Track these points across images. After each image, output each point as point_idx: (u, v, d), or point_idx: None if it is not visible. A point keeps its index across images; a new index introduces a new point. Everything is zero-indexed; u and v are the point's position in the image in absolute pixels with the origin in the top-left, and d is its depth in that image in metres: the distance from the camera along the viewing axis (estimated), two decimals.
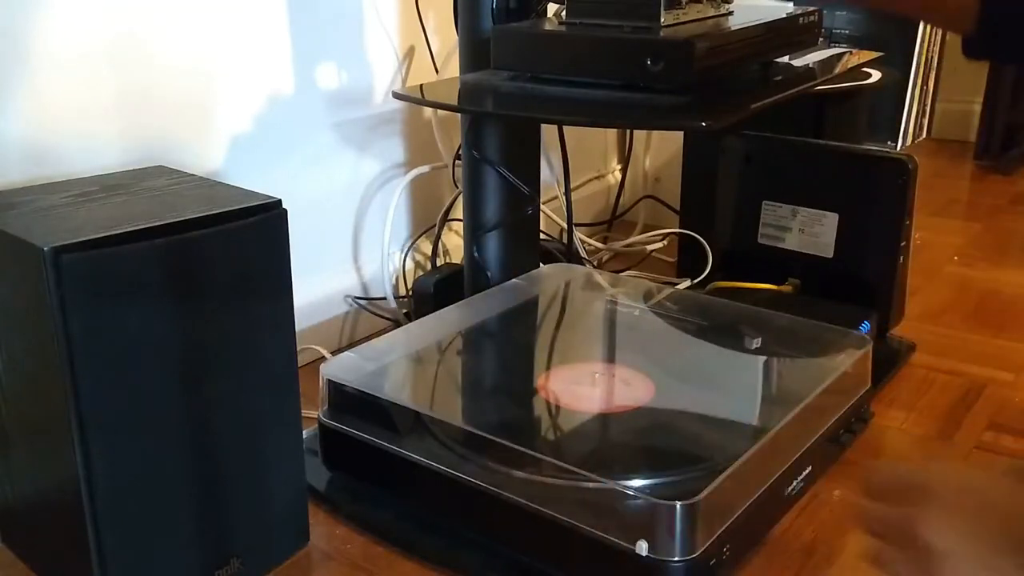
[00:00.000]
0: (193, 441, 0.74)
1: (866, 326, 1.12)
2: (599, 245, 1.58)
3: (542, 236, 1.29)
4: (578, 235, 1.48)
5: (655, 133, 1.76)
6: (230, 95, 1.09)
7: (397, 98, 1.02)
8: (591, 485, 0.75)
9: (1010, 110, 2.18)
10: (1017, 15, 0.82)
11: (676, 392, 0.96)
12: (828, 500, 0.92)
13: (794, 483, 0.86)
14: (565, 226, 1.40)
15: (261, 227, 0.76)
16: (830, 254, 1.19)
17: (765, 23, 0.97)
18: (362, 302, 1.30)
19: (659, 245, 1.58)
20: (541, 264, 1.22)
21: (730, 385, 0.98)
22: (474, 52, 1.08)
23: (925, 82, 2.15)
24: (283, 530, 0.84)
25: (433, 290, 1.23)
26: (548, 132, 1.30)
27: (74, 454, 0.68)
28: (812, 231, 1.20)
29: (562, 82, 0.93)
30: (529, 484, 0.78)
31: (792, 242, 1.22)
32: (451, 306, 1.11)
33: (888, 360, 1.18)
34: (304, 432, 0.83)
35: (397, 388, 0.97)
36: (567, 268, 1.26)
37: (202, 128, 1.07)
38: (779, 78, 1.00)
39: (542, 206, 1.23)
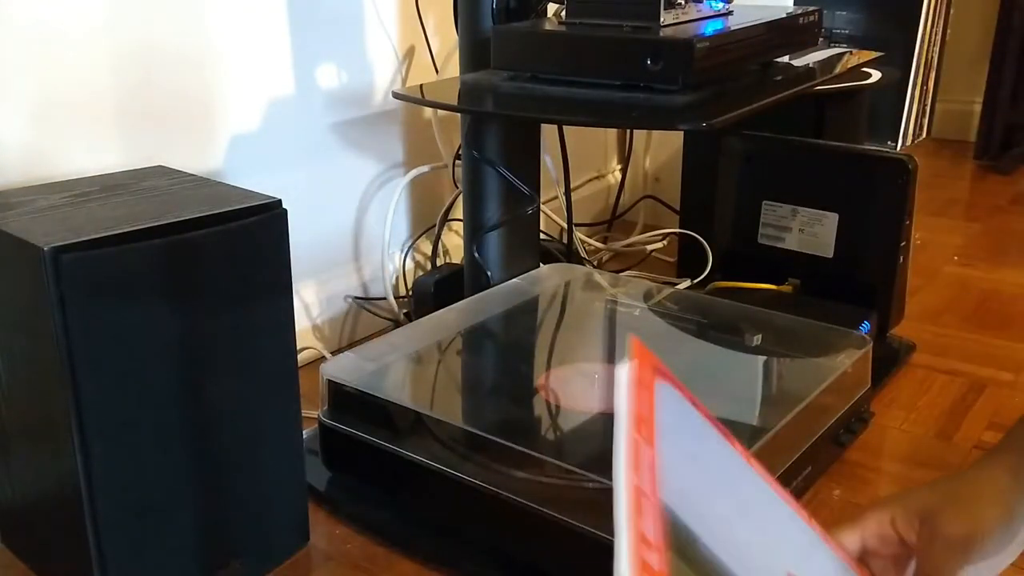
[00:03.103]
0: (193, 441, 0.74)
1: (866, 326, 1.12)
2: (599, 245, 1.58)
3: (542, 236, 1.29)
4: (578, 235, 1.48)
5: (655, 133, 1.76)
6: (230, 95, 1.09)
7: (397, 98, 1.02)
8: (591, 485, 0.75)
9: (1010, 110, 2.19)
10: None
11: None
12: (828, 500, 0.92)
13: (794, 483, 0.86)
14: (565, 226, 1.40)
15: (261, 227, 0.76)
16: (830, 254, 1.19)
17: (765, 23, 0.97)
18: (362, 302, 1.30)
19: (659, 245, 1.58)
20: (541, 264, 1.22)
21: (730, 385, 0.98)
22: (474, 52, 1.08)
23: (925, 82, 2.15)
24: (283, 530, 0.84)
25: (433, 290, 1.23)
26: (548, 132, 1.30)
27: (74, 454, 0.68)
28: (812, 231, 1.20)
29: (562, 82, 0.93)
30: (529, 484, 0.78)
31: (792, 242, 1.22)
32: (451, 306, 1.11)
33: (888, 360, 1.18)
34: (304, 432, 0.83)
35: (397, 388, 0.97)
36: (567, 268, 1.26)
37: (202, 128, 1.07)
38: (779, 78, 1.00)
39: (542, 206, 1.23)
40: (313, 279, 1.24)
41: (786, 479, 0.85)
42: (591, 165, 1.74)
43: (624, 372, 0.42)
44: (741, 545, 0.45)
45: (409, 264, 1.36)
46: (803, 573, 0.51)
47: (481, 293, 1.14)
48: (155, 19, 0.99)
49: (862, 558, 0.58)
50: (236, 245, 0.74)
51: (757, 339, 1.02)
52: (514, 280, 1.16)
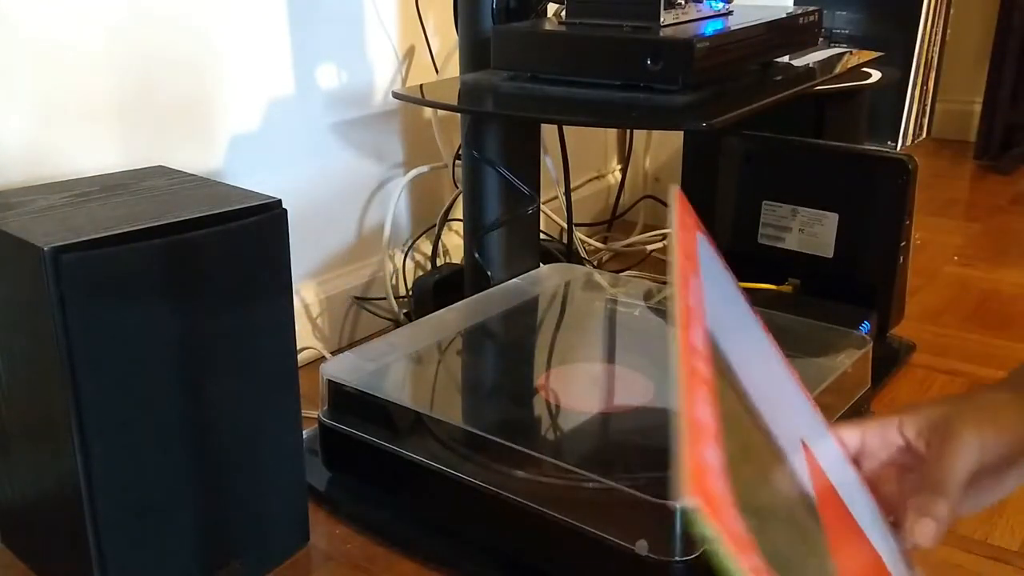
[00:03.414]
0: (193, 441, 0.74)
1: (866, 326, 1.12)
2: (599, 245, 1.58)
3: (542, 236, 1.29)
4: (578, 235, 1.48)
5: (655, 133, 1.76)
6: (230, 95, 1.09)
7: (397, 98, 1.02)
8: (591, 485, 0.75)
9: (1010, 110, 2.19)
10: None
11: (676, 392, 0.96)
12: None
13: None
14: (565, 226, 1.40)
15: (261, 227, 0.76)
16: (830, 254, 1.19)
17: (765, 23, 0.97)
18: (362, 302, 1.30)
19: (659, 245, 1.58)
20: (541, 264, 1.22)
21: None
22: (474, 52, 1.08)
23: (925, 82, 2.15)
24: (283, 530, 0.84)
25: (433, 290, 1.23)
26: (548, 132, 1.30)
27: (74, 454, 0.68)
28: (812, 231, 1.20)
29: (562, 82, 0.93)
30: (529, 484, 0.78)
31: (792, 242, 1.22)
32: (451, 306, 1.10)
33: (888, 360, 1.18)
34: (304, 432, 0.83)
35: (397, 388, 0.97)
36: (567, 268, 1.26)
37: (202, 128, 1.07)
38: (779, 78, 1.00)
39: (542, 206, 1.23)
40: (313, 279, 1.24)
41: None
42: (591, 165, 1.74)
43: (674, 213, 0.46)
44: (763, 393, 0.47)
45: (409, 264, 1.36)
46: (813, 443, 0.52)
47: (481, 293, 1.14)
48: (155, 19, 0.99)
49: (857, 459, 0.57)
50: (236, 245, 0.74)
51: None
52: (514, 280, 1.16)
